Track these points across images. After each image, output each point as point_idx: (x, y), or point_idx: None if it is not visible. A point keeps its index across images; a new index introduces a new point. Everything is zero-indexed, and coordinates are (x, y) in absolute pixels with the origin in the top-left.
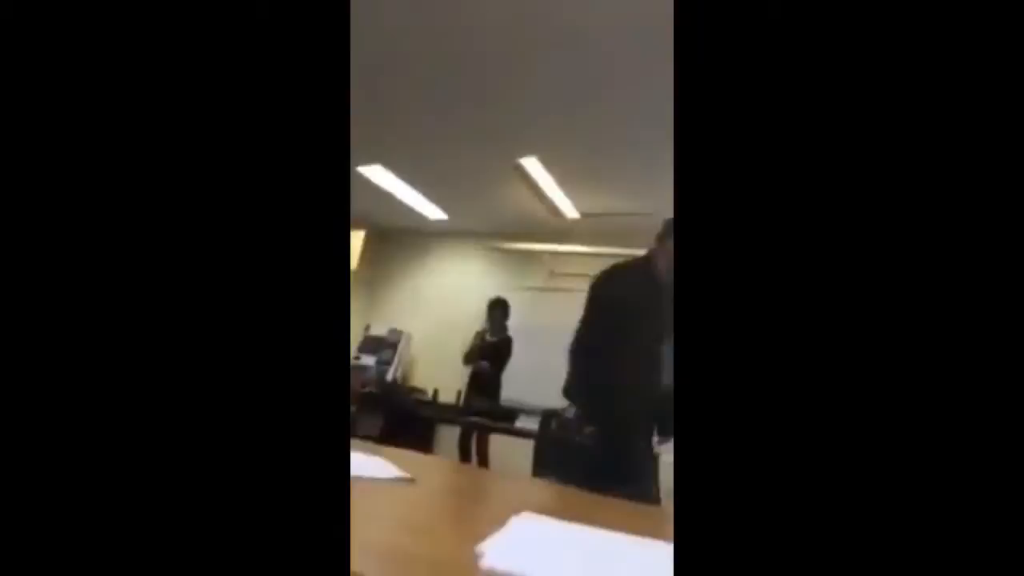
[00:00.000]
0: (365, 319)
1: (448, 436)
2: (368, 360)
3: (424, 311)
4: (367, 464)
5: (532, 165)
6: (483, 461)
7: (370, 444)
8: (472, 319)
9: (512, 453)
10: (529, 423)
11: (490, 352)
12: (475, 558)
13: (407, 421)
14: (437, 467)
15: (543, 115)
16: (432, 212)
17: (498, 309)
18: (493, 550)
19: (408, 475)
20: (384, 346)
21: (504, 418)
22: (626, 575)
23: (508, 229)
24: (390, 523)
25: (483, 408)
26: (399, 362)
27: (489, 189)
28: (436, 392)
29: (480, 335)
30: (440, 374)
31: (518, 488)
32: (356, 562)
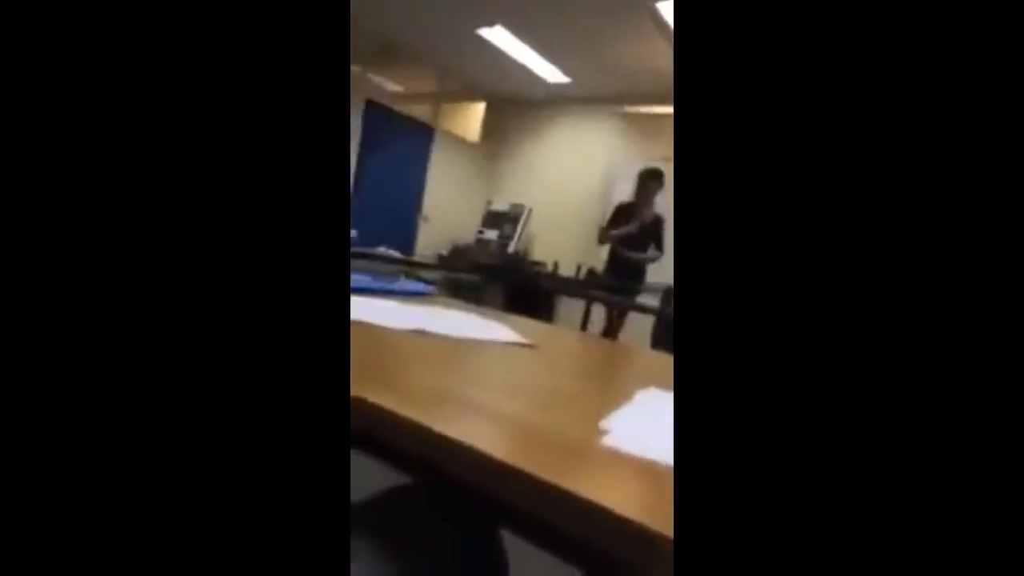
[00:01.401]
0: (487, 194)
1: (568, 310)
2: (490, 234)
3: (545, 184)
4: (487, 327)
5: (671, 10)
6: (612, 336)
7: (489, 310)
8: (595, 192)
9: (635, 331)
10: (650, 300)
11: (640, 235)
12: (598, 434)
13: (528, 293)
14: (560, 335)
15: None
16: (553, 75)
17: (654, 181)
18: (618, 428)
19: (529, 340)
20: (505, 220)
21: (626, 292)
22: None
23: (638, 90)
24: (508, 390)
25: (606, 282)
26: (520, 236)
27: (617, 44)
28: (556, 264)
29: (623, 209)
30: (561, 248)
31: (645, 361)
32: (471, 430)
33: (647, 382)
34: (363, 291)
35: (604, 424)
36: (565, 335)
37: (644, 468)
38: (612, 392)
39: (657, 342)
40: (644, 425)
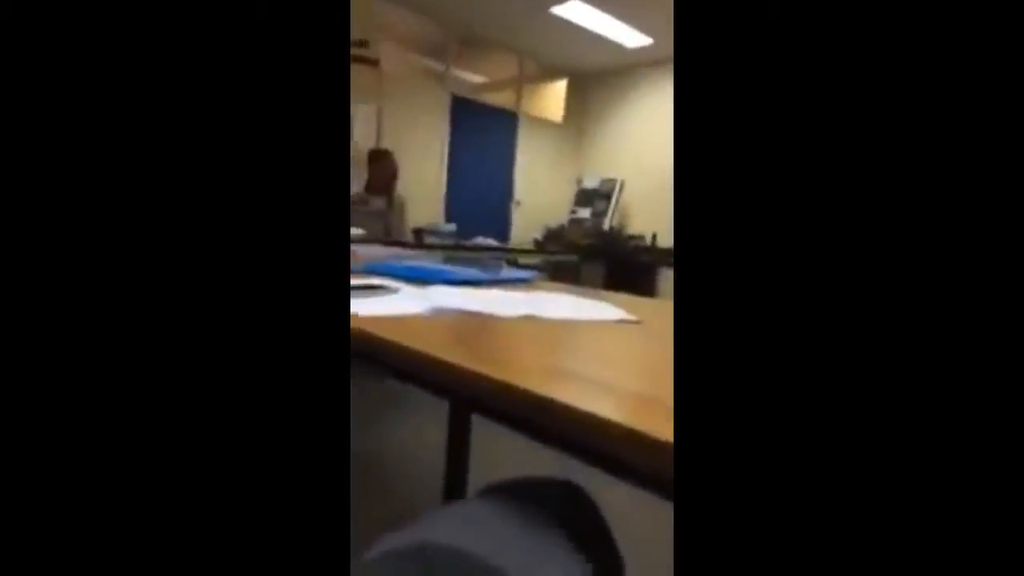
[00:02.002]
0: (576, 172)
1: (671, 282)
2: (583, 213)
3: (634, 155)
4: (592, 307)
5: None
6: None
7: (590, 290)
8: None
9: None
10: None
11: None
12: None
13: (628, 269)
14: (663, 309)
15: None
16: (632, 39)
17: None
18: None
19: (634, 317)
20: (597, 197)
21: None
22: None
23: None
24: (622, 364)
25: None
26: (614, 211)
27: None
28: (655, 236)
29: None
30: (658, 219)
31: None
32: (596, 403)
33: None
34: (473, 283)
35: None
36: (664, 308)
37: None
38: None
39: None
40: None
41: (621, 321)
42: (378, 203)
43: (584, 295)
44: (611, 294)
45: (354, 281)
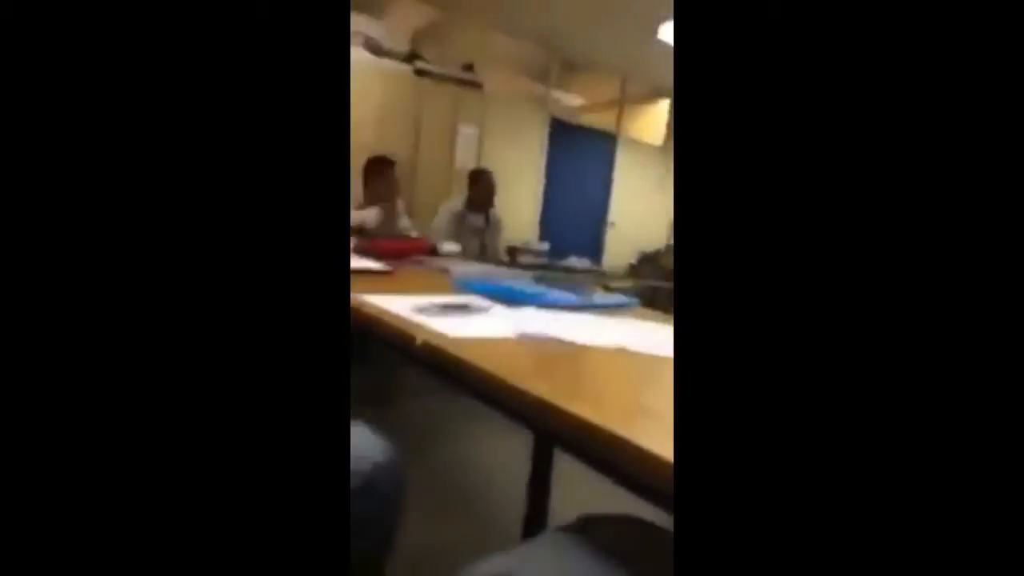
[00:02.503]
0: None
1: None
2: None
3: None
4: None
5: None
6: None
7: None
8: None
9: None
10: None
11: None
12: None
13: None
14: None
15: None
16: None
17: None
18: None
19: None
20: None
21: None
22: None
23: None
24: None
25: None
26: None
27: None
28: None
29: None
30: None
31: None
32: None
33: None
34: (566, 307)
35: None
36: None
37: None
38: None
39: None
40: None
41: None
42: (476, 220)
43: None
44: None
45: (445, 299)
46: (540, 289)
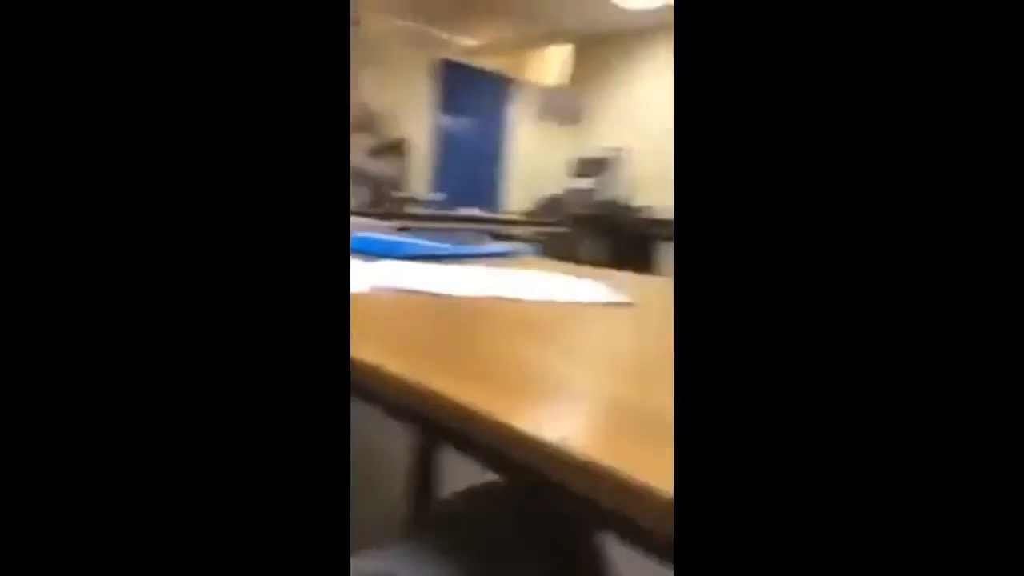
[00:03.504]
0: (577, 141)
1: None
2: (585, 183)
3: (640, 123)
4: (578, 287)
5: None
6: None
7: (587, 268)
8: None
9: None
10: None
11: None
12: None
13: (631, 244)
14: (661, 288)
15: None
16: (637, 1)
17: None
18: None
19: (625, 298)
20: (601, 167)
21: None
22: None
23: None
24: (597, 360)
25: None
26: (620, 181)
27: None
28: (658, 209)
29: None
30: (665, 190)
31: None
32: (552, 420)
33: None
34: (445, 258)
35: None
36: (666, 287)
37: None
38: None
39: None
40: None
41: (610, 303)
42: (371, 167)
43: (575, 273)
44: (611, 272)
45: None
46: (408, 240)
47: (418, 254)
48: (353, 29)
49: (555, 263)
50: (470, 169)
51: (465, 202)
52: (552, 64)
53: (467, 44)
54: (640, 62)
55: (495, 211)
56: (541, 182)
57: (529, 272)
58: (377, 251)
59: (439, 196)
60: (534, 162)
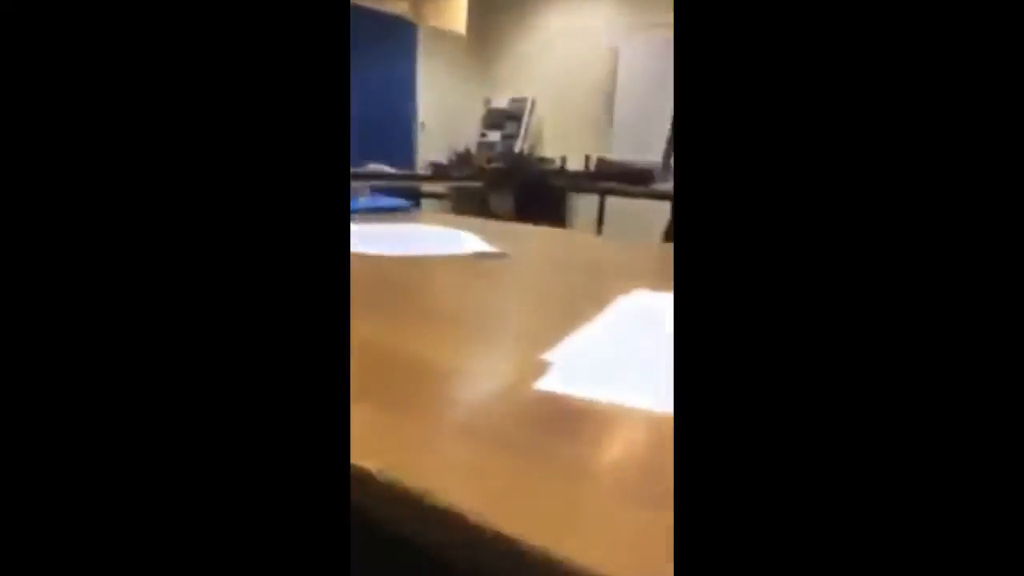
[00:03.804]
0: (482, 92)
1: (584, 207)
2: (493, 135)
3: (547, 71)
4: (453, 240)
5: None
6: None
7: (475, 220)
8: (600, 73)
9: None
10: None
11: None
12: (535, 373)
13: (539, 194)
14: (544, 238)
15: None
16: None
17: None
18: (565, 358)
19: (498, 249)
20: (508, 118)
21: (641, 181)
22: None
23: None
24: (451, 318)
25: (615, 171)
26: (525, 133)
27: None
28: (564, 160)
29: None
30: (572, 140)
31: (644, 257)
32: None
33: (635, 283)
34: None
35: (548, 355)
36: (552, 236)
37: (577, 415)
38: (582, 305)
39: (670, 235)
40: (601, 348)
41: (483, 254)
42: None
43: (460, 225)
44: (501, 224)
45: None
46: None
47: None
48: None
49: (450, 217)
50: (380, 119)
51: (375, 155)
52: (452, 7)
53: None
54: (543, 8)
55: (409, 164)
56: (454, 136)
57: (410, 227)
58: None
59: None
60: (446, 113)
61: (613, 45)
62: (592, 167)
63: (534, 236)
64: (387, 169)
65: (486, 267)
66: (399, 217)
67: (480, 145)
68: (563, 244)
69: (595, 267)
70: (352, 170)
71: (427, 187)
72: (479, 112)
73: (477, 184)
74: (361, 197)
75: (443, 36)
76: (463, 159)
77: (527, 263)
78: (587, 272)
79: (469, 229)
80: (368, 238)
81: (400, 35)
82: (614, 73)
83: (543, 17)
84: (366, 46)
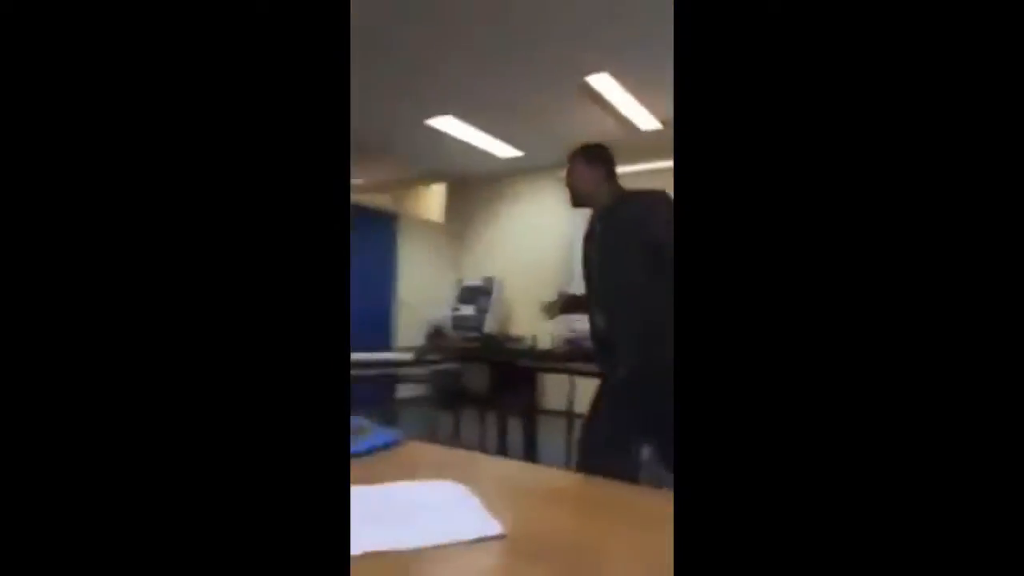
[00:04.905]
0: (457, 272)
1: (555, 387)
2: (467, 310)
3: (510, 254)
4: (452, 514)
5: (601, 82)
6: None
7: (461, 452)
8: (559, 256)
9: None
10: None
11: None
12: None
13: (511, 375)
14: (546, 485)
15: (608, 28)
16: (505, 151)
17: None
18: None
19: (498, 527)
20: (480, 294)
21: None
22: None
23: None
24: None
25: (581, 353)
26: (495, 311)
27: (559, 116)
28: (534, 339)
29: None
30: (536, 318)
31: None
32: None
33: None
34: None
35: None
36: (554, 480)
37: None
38: None
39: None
40: None
41: (481, 540)
42: None
43: (448, 461)
44: (483, 458)
45: None
46: None
47: None
48: None
49: (435, 448)
50: (367, 300)
51: (362, 341)
52: (430, 199)
53: (353, 183)
54: (511, 200)
55: (389, 346)
56: (429, 310)
57: (399, 488)
58: None
59: None
60: (424, 292)
61: (572, 227)
62: (560, 346)
63: (521, 482)
64: (377, 357)
65: (490, 557)
66: (391, 456)
67: (455, 319)
68: (564, 519)
69: (594, 551)
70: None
71: (411, 371)
72: (453, 290)
73: (455, 365)
74: (359, 439)
75: (421, 223)
76: (439, 332)
77: (526, 544)
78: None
79: (458, 464)
80: (371, 518)
81: (382, 225)
82: (572, 255)
83: (511, 206)
84: (354, 236)
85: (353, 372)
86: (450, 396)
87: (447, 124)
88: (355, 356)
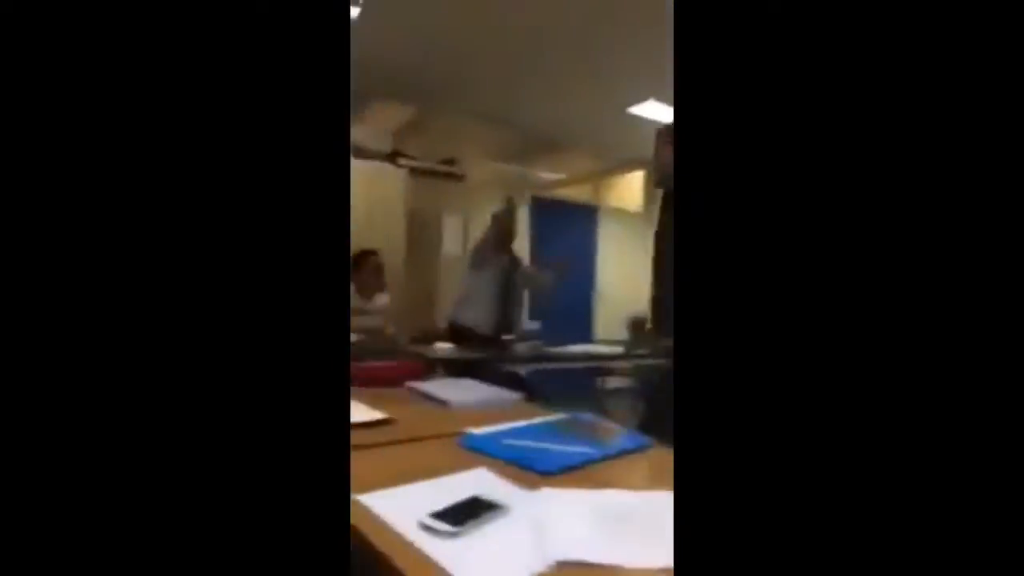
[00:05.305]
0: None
1: None
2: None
3: None
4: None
5: None
6: None
7: None
8: None
9: None
10: None
11: None
12: None
13: None
14: None
15: None
16: None
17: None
18: None
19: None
20: None
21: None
22: None
23: None
24: None
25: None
26: None
27: None
28: None
29: None
30: None
31: None
32: None
33: None
34: (590, 462)
35: None
36: None
37: None
38: None
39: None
40: None
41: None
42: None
43: None
44: None
45: (453, 500)
46: (555, 448)
47: (571, 463)
48: (460, 184)
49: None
50: (567, 295)
51: (564, 334)
52: (629, 189)
53: (554, 178)
54: None
55: (589, 338)
56: (629, 302)
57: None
58: (529, 463)
59: (536, 325)
60: (623, 283)
61: None
62: None
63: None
64: (583, 349)
65: None
66: (642, 456)
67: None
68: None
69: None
70: (558, 351)
71: (615, 366)
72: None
73: (663, 361)
74: (609, 441)
75: (621, 213)
76: (640, 323)
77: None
78: None
79: None
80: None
81: (584, 216)
82: None
83: None
84: (557, 231)
85: (562, 365)
86: (659, 390)
87: (650, 110)
88: (564, 349)
